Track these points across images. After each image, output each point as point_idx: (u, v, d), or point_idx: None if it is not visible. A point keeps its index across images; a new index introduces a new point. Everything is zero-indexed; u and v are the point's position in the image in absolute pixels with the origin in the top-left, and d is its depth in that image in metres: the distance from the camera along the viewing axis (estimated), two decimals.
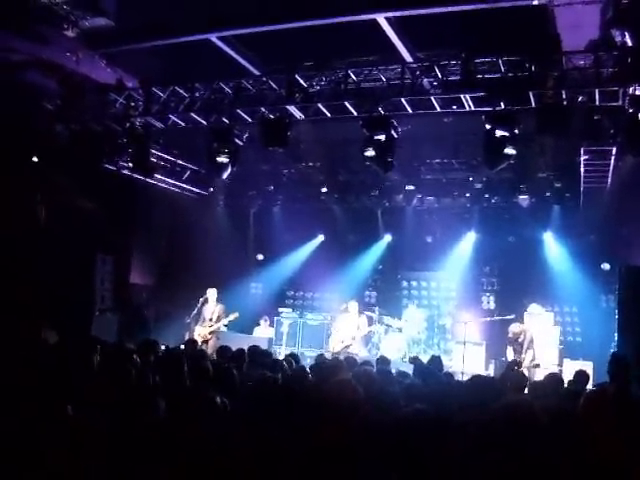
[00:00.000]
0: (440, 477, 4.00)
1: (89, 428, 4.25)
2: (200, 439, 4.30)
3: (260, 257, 22.40)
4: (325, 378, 6.74)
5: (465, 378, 10.92)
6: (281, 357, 14.21)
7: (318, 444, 4.32)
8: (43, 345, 7.97)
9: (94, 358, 6.73)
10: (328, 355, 13.29)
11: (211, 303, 15.52)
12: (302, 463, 4.13)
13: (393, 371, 9.40)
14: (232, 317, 15.53)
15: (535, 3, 9.93)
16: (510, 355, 13.76)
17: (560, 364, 16.22)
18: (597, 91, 11.37)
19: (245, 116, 14.03)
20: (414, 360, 11.43)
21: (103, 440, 4.17)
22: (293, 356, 9.90)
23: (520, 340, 13.81)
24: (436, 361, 10.69)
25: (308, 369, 8.74)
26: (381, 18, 11.00)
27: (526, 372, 13.29)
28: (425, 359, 11.50)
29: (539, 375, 12.49)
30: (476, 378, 7.11)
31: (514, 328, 14.03)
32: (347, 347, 15.21)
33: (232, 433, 4.47)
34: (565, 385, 8.44)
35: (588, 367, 13.87)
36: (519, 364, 12.57)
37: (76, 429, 4.23)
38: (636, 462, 4.17)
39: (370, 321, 17.95)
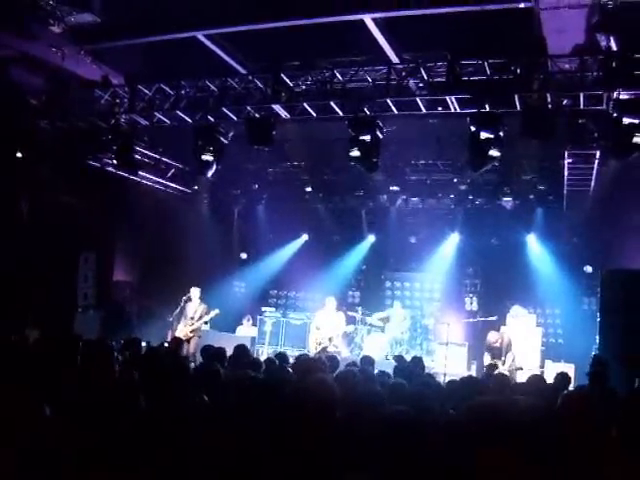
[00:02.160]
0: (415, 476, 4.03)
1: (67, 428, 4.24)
2: (181, 436, 4.30)
3: (244, 256, 22.40)
4: (303, 377, 6.73)
5: (447, 379, 10.97)
6: (263, 356, 14.25)
7: (295, 442, 4.33)
8: (22, 343, 7.94)
9: (75, 355, 6.69)
10: (310, 355, 13.30)
11: (194, 302, 15.48)
12: (279, 461, 4.14)
13: (375, 371, 9.43)
14: (213, 314, 15.51)
15: (521, 6, 9.95)
16: (487, 361, 13.79)
17: (542, 366, 16.30)
18: (582, 95, 11.42)
19: (230, 114, 14.00)
20: (398, 359, 11.45)
21: (81, 440, 4.16)
22: (280, 356, 9.89)
23: (498, 345, 13.88)
24: (418, 362, 10.71)
25: (290, 368, 8.75)
26: (368, 19, 10.98)
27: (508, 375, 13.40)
28: (407, 360, 11.51)
29: (522, 378, 12.55)
30: (466, 379, 7.19)
31: (491, 337, 14.13)
32: (325, 348, 15.17)
33: (212, 430, 4.47)
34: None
35: (570, 369, 13.95)
36: (496, 366, 12.63)
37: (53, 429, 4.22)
38: (613, 460, 4.21)
39: (353, 321, 17.98)
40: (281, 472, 4.07)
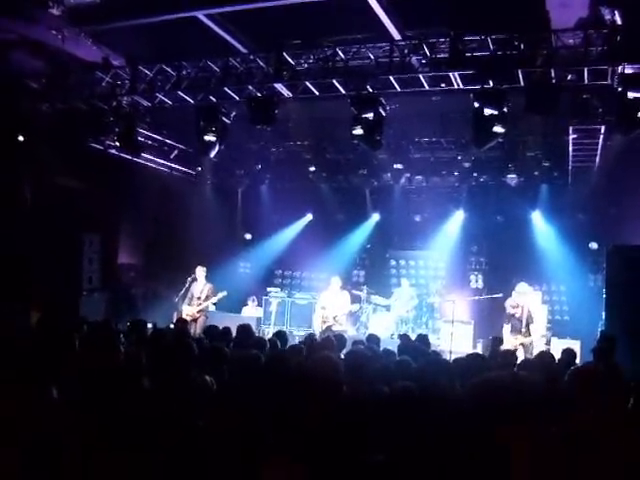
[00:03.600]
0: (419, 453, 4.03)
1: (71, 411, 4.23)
2: (185, 416, 4.29)
3: (248, 236, 22.38)
4: (309, 355, 6.74)
5: (453, 357, 10.97)
6: (269, 337, 14.27)
7: (300, 419, 4.32)
8: (26, 327, 7.94)
9: (76, 338, 6.67)
10: (316, 334, 13.32)
11: (200, 282, 15.49)
12: (285, 438, 4.14)
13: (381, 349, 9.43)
14: (220, 296, 15.53)
15: None
16: (507, 332, 13.63)
17: (548, 343, 16.30)
18: (586, 70, 11.32)
19: (233, 94, 13.92)
20: (403, 337, 11.45)
21: (88, 422, 4.15)
22: (280, 334, 9.89)
23: (517, 316, 13.77)
24: (423, 339, 10.71)
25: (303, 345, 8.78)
26: None
27: (535, 346, 13.52)
28: (412, 338, 11.51)
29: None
30: (470, 356, 7.18)
31: (511, 302, 13.93)
32: (330, 327, 15.20)
33: (217, 409, 4.46)
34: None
35: (576, 346, 13.93)
36: (501, 342, 12.57)
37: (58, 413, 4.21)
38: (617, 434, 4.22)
39: (358, 300, 17.98)
40: (286, 450, 4.06)
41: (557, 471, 4.10)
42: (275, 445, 4.09)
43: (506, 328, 13.75)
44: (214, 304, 15.92)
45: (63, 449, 3.98)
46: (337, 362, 4.94)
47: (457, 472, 3.99)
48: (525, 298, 14.33)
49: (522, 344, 13.35)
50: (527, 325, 13.68)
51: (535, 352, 12.81)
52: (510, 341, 13.25)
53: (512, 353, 9.69)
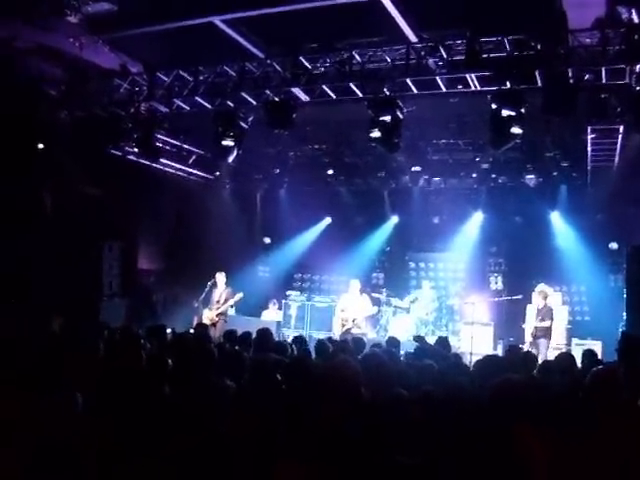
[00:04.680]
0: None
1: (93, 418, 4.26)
2: (206, 421, 4.31)
3: (267, 240, 22.42)
4: (328, 359, 6.75)
5: (474, 359, 10.94)
6: (289, 340, 14.29)
7: (317, 422, 4.33)
8: (48, 332, 8.00)
9: (100, 343, 6.72)
10: (335, 338, 13.31)
11: (220, 287, 15.59)
12: (302, 442, 4.14)
13: (402, 352, 9.42)
14: (237, 297, 15.59)
15: None
16: (531, 312, 14.18)
17: (568, 344, 16.25)
18: (604, 69, 11.27)
19: (250, 99, 13.98)
20: (419, 339, 11.42)
21: (108, 427, 4.18)
22: (299, 339, 9.91)
23: (540, 307, 14.27)
24: (443, 342, 10.67)
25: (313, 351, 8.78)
26: None
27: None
28: (433, 340, 11.48)
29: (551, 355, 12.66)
30: (489, 358, 7.16)
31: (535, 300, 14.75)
32: (349, 329, 15.21)
33: (237, 414, 4.48)
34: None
35: (597, 346, 13.90)
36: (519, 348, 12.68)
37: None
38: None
39: (377, 303, 17.96)
40: (303, 453, 4.07)
41: (577, 472, 4.09)
42: (292, 448, 4.10)
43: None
44: (232, 306, 15.99)
45: (82, 454, 4.01)
46: (355, 366, 4.94)
47: (476, 473, 3.98)
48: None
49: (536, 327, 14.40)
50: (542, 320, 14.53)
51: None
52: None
53: (531, 353, 9.66)
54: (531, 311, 15.75)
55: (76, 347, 6.49)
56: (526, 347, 13.76)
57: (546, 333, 14.42)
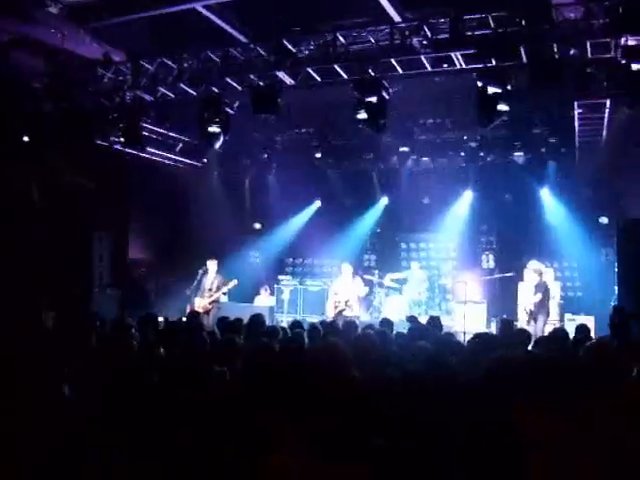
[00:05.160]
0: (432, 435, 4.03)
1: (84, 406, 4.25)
2: (197, 406, 4.30)
3: (258, 226, 22.37)
4: (317, 342, 6.74)
5: (467, 337, 10.97)
6: (283, 325, 14.30)
7: (309, 407, 4.32)
8: (40, 325, 7.97)
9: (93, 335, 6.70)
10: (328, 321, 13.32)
11: (211, 274, 15.57)
12: (296, 426, 4.14)
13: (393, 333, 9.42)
14: (231, 285, 15.58)
15: None
16: (524, 290, 14.31)
17: (561, 319, 16.31)
18: (589, 43, 11.23)
19: (235, 84, 13.90)
20: (411, 319, 11.44)
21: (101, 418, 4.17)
22: (296, 324, 9.89)
23: (536, 284, 14.32)
24: (435, 321, 10.69)
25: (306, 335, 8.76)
26: None
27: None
28: (425, 320, 11.49)
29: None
30: (478, 336, 7.16)
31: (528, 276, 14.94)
32: (341, 311, 15.24)
33: (228, 399, 4.47)
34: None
35: (589, 321, 13.94)
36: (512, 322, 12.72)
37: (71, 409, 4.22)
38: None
39: (370, 285, 17.98)
40: (296, 437, 4.06)
41: (576, 445, 4.09)
42: (286, 433, 4.09)
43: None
44: (225, 294, 15.99)
45: (78, 446, 4.00)
46: (343, 348, 4.92)
47: (475, 450, 3.99)
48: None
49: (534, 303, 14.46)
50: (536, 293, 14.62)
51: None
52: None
53: (525, 330, 9.68)
54: (524, 289, 15.79)
55: (67, 339, 6.46)
56: (524, 325, 13.77)
57: (544, 310, 14.45)
